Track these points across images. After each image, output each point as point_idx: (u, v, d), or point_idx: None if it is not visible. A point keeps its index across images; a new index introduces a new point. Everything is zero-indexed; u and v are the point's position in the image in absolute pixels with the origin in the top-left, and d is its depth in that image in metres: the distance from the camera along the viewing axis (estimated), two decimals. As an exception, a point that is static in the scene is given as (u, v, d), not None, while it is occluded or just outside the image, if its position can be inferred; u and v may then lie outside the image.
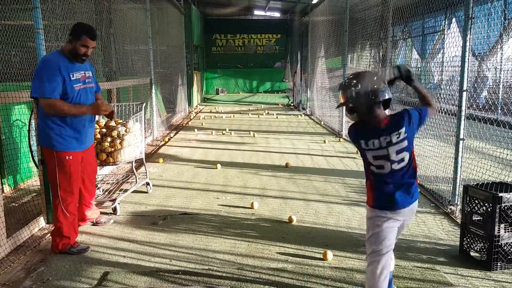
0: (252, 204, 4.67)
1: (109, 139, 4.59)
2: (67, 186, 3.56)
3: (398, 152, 2.45)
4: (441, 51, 9.22)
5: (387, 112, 2.51)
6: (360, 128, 2.56)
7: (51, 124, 3.46)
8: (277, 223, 4.23)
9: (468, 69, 4.28)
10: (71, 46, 3.46)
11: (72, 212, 3.62)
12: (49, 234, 3.83)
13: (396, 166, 2.47)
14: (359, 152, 6.98)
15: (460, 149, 4.35)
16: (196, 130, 10.42)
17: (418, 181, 2.60)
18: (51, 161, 3.54)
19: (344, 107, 2.55)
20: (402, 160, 2.47)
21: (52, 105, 3.37)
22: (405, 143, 2.45)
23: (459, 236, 3.55)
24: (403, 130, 2.43)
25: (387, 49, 7.72)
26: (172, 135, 9.74)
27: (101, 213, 4.40)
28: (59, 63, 3.40)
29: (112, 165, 4.98)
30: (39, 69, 3.40)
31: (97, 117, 4.53)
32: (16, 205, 4.65)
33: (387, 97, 2.43)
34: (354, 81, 2.45)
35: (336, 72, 10.85)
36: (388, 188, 2.50)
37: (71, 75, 3.46)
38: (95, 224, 4.15)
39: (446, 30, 9.15)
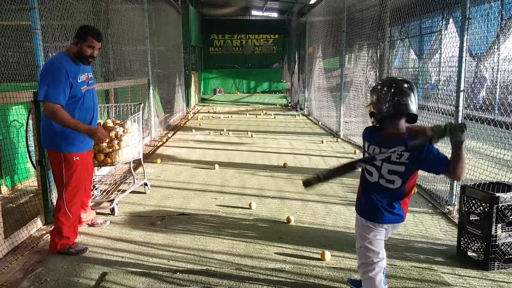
0: (250, 204, 4.67)
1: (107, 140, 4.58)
2: (73, 188, 3.57)
3: (390, 172, 2.37)
4: (439, 52, 9.25)
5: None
6: (374, 131, 2.49)
7: (58, 126, 3.43)
8: (275, 224, 4.23)
9: (465, 69, 4.30)
10: (77, 48, 3.46)
11: (74, 213, 3.62)
12: (47, 234, 3.83)
13: (383, 183, 2.41)
14: (356, 152, 6.85)
15: (458, 149, 4.35)
16: (194, 130, 10.42)
17: (406, 206, 2.48)
18: (57, 163, 3.52)
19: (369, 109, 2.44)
20: (392, 182, 2.38)
21: (55, 112, 3.32)
22: (401, 169, 2.34)
23: (456, 236, 3.56)
24: (406, 155, 2.30)
25: (384, 49, 7.74)
26: (170, 135, 9.74)
27: (97, 213, 4.40)
28: (66, 67, 3.39)
29: (110, 165, 4.97)
30: (45, 72, 3.38)
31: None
32: (14, 205, 4.64)
33: (414, 111, 2.32)
34: (391, 86, 2.34)
35: (334, 72, 10.87)
36: (371, 198, 2.46)
37: (78, 78, 3.47)
38: (91, 225, 4.14)
39: (443, 30, 9.18)
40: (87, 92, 3.59)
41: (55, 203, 3.96)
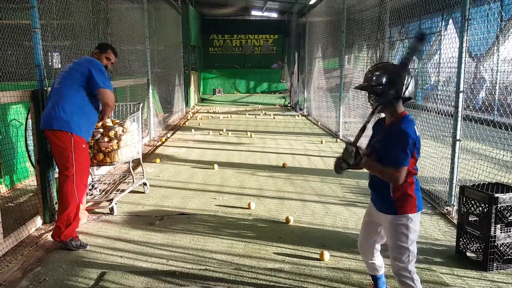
0: (249, 204, 4.67)
1: (106, 139, 4.58)
2: (81, 168, 3.69)
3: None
4: (438, 52, 9.25)
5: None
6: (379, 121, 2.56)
7: (79, 111, 3.67)
8: (274, 224, 4.23)
9: (464, 70, 4.30)
10: (109, 62, 4.10)
11: (80, 198, 3.70)
12: (47, 234, 3.83)
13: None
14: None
15: (457, 150, 4.37)
16: (193, 130, 10.41)
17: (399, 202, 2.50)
18: (66, 143, 3.59)
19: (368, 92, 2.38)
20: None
21: (113, 99, 3.90)
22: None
23: (455, 236, 3.57)
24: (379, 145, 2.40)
25: (384, 50, 7.74)
26: (169, 135, 9.73)
27: (96, 213, 4.41)
28: None
29: (109, 165, 4.98)
30: (100, 67, 3.81)
31: None
32: (13, 205, 4.64)
33: (407, 95, 2.34)
34: (390, 69, 2.37)
35: (333, 72, 10.87)
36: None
37: None
38: None
39: (443, 31, 9.18)
40: None
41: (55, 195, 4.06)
